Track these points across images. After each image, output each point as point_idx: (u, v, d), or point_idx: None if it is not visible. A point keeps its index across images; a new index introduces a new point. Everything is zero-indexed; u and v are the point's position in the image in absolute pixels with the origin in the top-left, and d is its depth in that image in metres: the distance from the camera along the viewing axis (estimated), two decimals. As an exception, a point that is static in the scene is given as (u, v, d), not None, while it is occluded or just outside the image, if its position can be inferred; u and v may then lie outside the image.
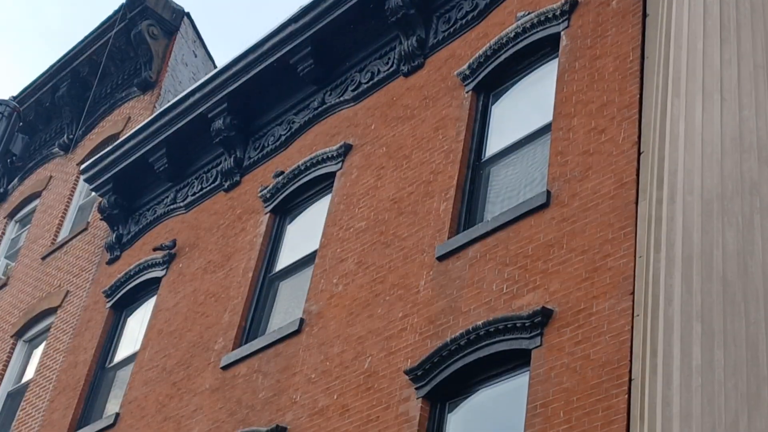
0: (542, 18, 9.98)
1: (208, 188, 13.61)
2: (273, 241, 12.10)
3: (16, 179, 18.67)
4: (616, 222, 8.10)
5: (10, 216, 18.56)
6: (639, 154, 8.26)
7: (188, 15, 17.52)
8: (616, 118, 8.71)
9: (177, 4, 17.27)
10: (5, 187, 18.83)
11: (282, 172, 12.25)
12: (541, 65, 10.11)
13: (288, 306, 11.30)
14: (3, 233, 18.41)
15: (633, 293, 7.54)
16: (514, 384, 8.23)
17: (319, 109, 12.46)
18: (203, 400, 11.13)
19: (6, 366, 15.60)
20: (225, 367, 11.09)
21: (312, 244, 11.37)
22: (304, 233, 11.79)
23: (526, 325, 8.13)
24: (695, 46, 7.41)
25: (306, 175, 12.02)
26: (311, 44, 12.43)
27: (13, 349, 15.74)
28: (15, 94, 17.92)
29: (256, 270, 11.86)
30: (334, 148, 11.74)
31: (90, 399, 13.37)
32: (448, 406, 8.69)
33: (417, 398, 8.68)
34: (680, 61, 7.41)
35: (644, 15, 9.07)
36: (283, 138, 12.78)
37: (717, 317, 6.13)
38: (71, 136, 17.55)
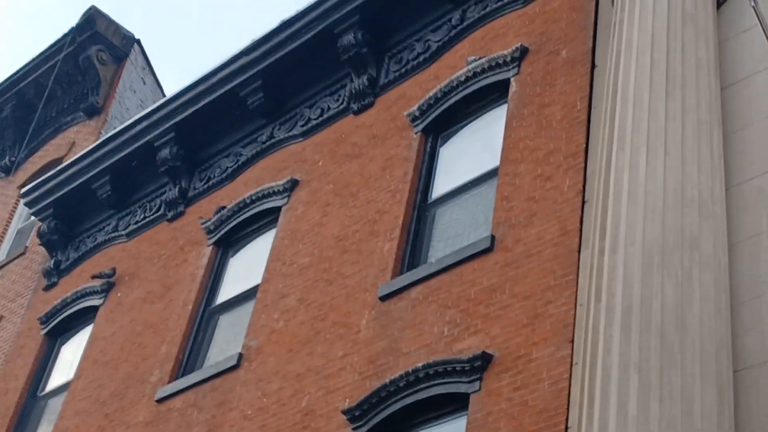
0: (493, 63, 10.08)
1: (151, 217, 13.48)
2: (215, 274, 12.01)
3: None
4: (559, 269, 8.16)
5: (-55, 237, 18.22)
6: (583, 203, 8.35)
7: (138, 42, 17.43)
8: (562, 166, 8.80)
9: (128, 31, 17.18)
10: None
11: (223, 208, 12.19)
12: (490, 110, 10.20)
13: (227, 340, 11.20)
14: (-62, 255, 18.05)
15: (572, 341, 7.60)
16: (452, 428, 8.21)
17: (267, 143, 12.43)
18: (136, 433, 10.96)
19: (-66, 391, 15.22)
20: (160, 400, 10.94)
21: (254, 279, 11.30)
22: (246, 267, 11.71)
23: (466, 369, 8.13)
24: (641, 99, 7.51)
25: (251, 209, 11.96)
26: (262, 78, 12.43)
27: (-59, 373, 15.38)
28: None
29: (197, 302, 11.74)
30: (281, 182, 11.71)
31: (19, 427, 13.09)
32: (384, 448, 8.64)
33: (354, 439, 8.62)
34: (626, 113, 7.50)
35: (593, 66, 9.20)
36: (229, 170, 12.72)
37: (654, 369, 6.18)
38: (13, 159, 17.30)
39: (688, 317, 6.40)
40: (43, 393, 13.26)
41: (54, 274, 14.27)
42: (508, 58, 9.98)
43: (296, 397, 9.48)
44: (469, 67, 10.25)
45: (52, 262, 14.36)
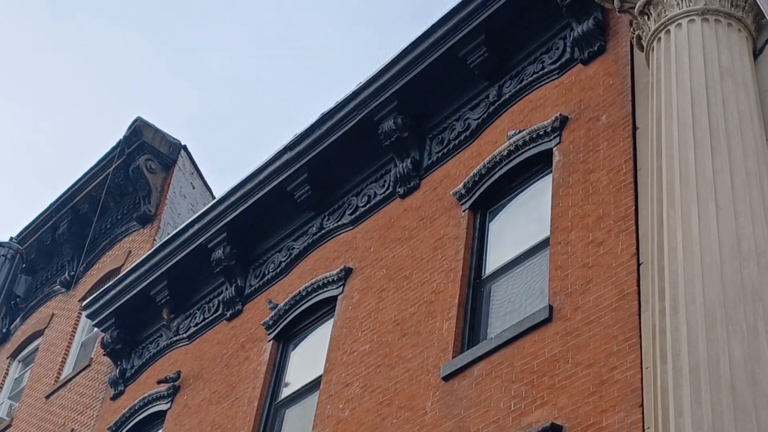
0: (534, 135, 10.14)
1: (210, 318, 13.59)
2: (277, 369, 12.03)
3: (18, 319, 18.65)
4: (620, 334, 8.08)
5: (13, 356, 18.47)
6: (638, 265, 8.29)
7: (185, 147, 17.77)
8: (614, 230, 8.78)
9: (174, 138, 17.54)
10: (8, 327, 18.79)
11: (276, 305, 12.26)
12: (535, 181, 10.23)
13: (295, 434, 11.17)
14: (6, 374, 18.28)
15: (642, 405, 7.48)
16: (528, 505, 8.07)
17: (318, 234, 12.54)
18: None
19: None
20: (233, 501, 10.89)
21: (316, 370, 11.30)
22: (308, 359, 11.73)
23: (537, 442, 8.03)
24: (687, 156, 7.50)
25: (307, 301, 12.02)
26: (307, 171, 12.59)
27: (17, 491, 15.49)
28: (15, 234, 18.05)
29: (262, 398, 11.75)
30: (335, 272, 11.78)
31: None
32: None
33: None
34: (673, 171, 7.49)
35: (634, 128, 9.22)
36: (283, 264, 12.83)
37: (728, 427, 6.07)
38: (72, 273, 17.60)
39: (757, 371, 6.29)
40: (117, 503, 13.26)
41: (120, 383, 14.38)
42: (549, 129, 10.03)
43: (369, 486, 9.39)
44: (511, 141, 10.32)
45: (118, 371, 14.49)
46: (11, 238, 16.83)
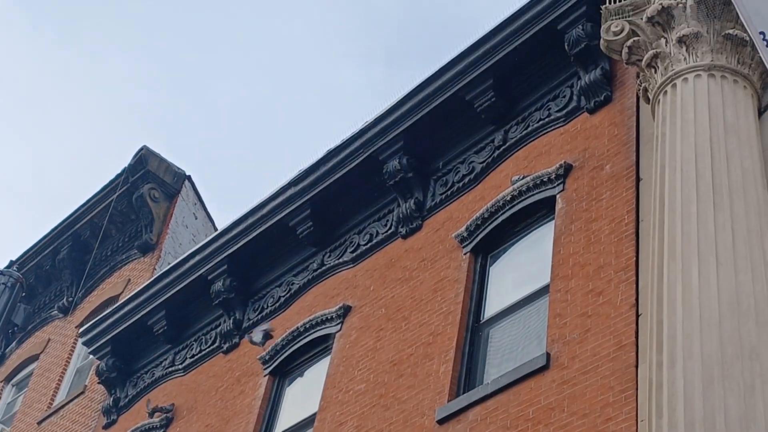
0: (537, 182, 10.18)
1: (207, 350, 13.57)
2: (272, 404, 12.00)
3: (14, 342, 18.60)
4: (617, 385, 8.07)
5: (7, 380, 18.42)
6: (637, 316, 8.30)
7: (189, 178, 17.82)
8: (614, 280, 8.79)
9: (178, 168, 17.59)
10: (3, 350, 18.75)
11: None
12: (537, 227, 10.26)
13: (287, 471, 11.12)
14: (-1, 397, 18.24)
15: (637, 458, 7.46)
16: None
17: (319, 270, 12.55)
18: None
19: None
20: None
21: (311, 407, 11.27)
22: (303, 396, 11.70)
23: (530, 491, 7.99)
24: (689, 211, 7.52)
25: (305, 337, 12.01)
26: (310, 207, 12.62)
27: None
28: (15, 257, 18.06)
29: (255, 434, 11.70)
30: (333, 309, 11.77)
31: None
32: None
33: None
34: (675, 224, 7.51)
35: (638, 179, 9.25)
36: (282, 299, 12.83)
37: (723, 485, 6.05)
38: (71, 299, 17.59)
39: (753, 431, 6.27)
40: None
41: (113, 412, 14.33)
42: (553, 176, 10.07)
43: None
44: (514, 186, 10.35)
45: (111, 399, 14.44)
46: (11, 262, 16.85)
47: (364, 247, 12.12)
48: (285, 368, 12.22)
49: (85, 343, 15.07)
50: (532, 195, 10.21)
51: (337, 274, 12.32)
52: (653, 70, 8.73)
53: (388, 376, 10.41)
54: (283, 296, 12.85)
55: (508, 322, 9.85)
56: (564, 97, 10.68)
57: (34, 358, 17.98)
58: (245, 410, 12.08)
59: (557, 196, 9.98)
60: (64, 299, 17.77)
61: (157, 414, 13.31)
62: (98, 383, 14.88)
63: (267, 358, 12.27)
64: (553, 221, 9.92)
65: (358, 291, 11.79)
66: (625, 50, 9.04)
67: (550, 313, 9.18)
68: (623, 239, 8.98)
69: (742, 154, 7.86)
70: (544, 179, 10.14)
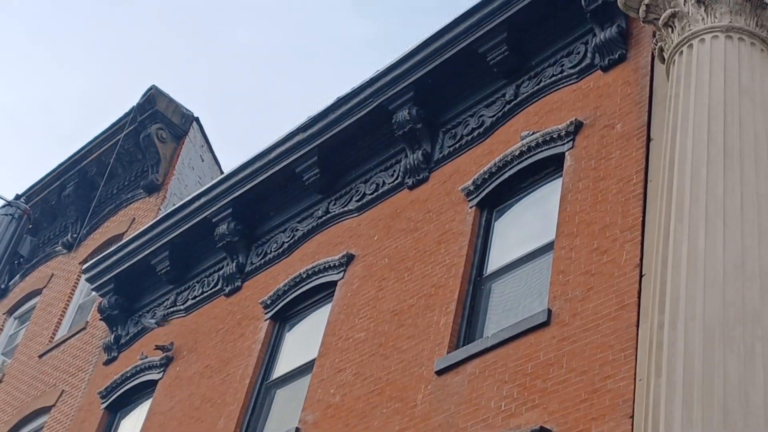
0: (547, 138, 10.13)
1: (209, 292, 13.61)
2: (272, 348, 12.06)
3: (17, 276, 18.70)
4: (617, 344, 8.09)
5: (10, 312, 18.53)
6: (641, 276, 8.29)
7: (197, 120, 17.77)
8: (619, 239, 8.77)
9: (187, 109, 17.53)
10: (6, 283, 18.84)
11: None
12: (545, 184, 10.22)
13: (284, 414, 11.20)
14: (1, 329, 18.35)
15: (632, 417, 7.49)
16: (511, 505, 8.10)
17: (323, 218, 12.55)
18: None
19: (-5, 466, 15.39)
20: (217, 476, 10.93)
21: (311, 353, 11.32)
22: (303, 341, 11.75)
23: (524, 444, 8.04)
24: (699, 172, 7.48)
25: (307, 283, 12.04)
26: (318, 154, 12.58)
27: (3, 448, 15.56)
28: (22, 191, 18.06)
29: (254, 377, 11.78)
30: (337, 257, 11.78)
31: (78, 503, 13.14)
32: None
33: None
34: (684, 186, 7.47)
35: (648, 139, 9.20)
36: (285, 245, 12.84)
37: (718, 446, 6.07)
38: (75, 235, 17.63)
39: (751, 393, 6.29)
40: (101, 468, 13.31)
41: (114, 349, 14.42)
42: (563, 132, 10.02)
43: (353, 473, 9.42)
44: (524, 141, 10.31)
45: (112, 336, 14.52)
46: (17, 196, 16.85)
47: (369, 197, 12.10)
48: (286, 313, 12.26)
49: (88, 280, 15.13)
50: (541, 151, 10.17)
51: (341, 222, 12.32)
52: (670, 30, 8.65)
53: (389, 326, 10.44)
54: (287, 242, 12.86)
55: (510, 278, 9.85)
56: (578, 53, 10.59)
57: (36, 293, 18.07)
58: (245, 353, 12.14)
59: (566, 153, 9.94)
60: (69, 235, 17.81)
61: (155, 352, 13.39)
62: (100, 320, 14.96)
63: (268, 302, 12.31)
64: (561, 178, 9.89)
65: (361, 240, 11.79)
66: (642, 8, 8.94)
67: (553, 269, 9.18)
68: (631, 199, 8.96)
69: (756, 118, 7.80)
70: (554, 136, 10.09)
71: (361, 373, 10.31)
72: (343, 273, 11.65)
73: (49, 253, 18.31)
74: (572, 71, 10.54)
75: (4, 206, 9.23)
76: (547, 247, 9.55)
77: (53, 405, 15.01)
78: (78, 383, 14.77)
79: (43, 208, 18.27)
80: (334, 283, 11.72)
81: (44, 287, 17.83)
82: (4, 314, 18.54)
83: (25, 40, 45.32)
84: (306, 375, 11.21)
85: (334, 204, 12.55)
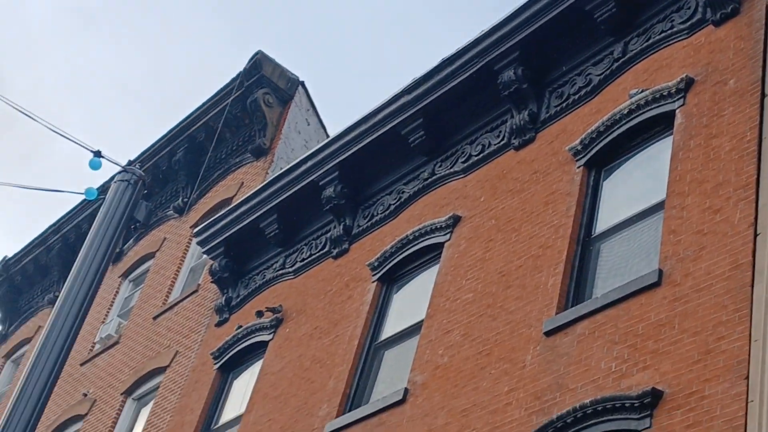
0: (657, 95, 9.94)
1: (317, 255, 13.79)
2: (379, 310, 12.17)
3: (131, 240, 19.20)
4: (731, 304, 7.95)
5: (125, 275, 19.05)
6: (756, 235, 8.12)
7: (303, 84, 17.90)
8: (732, 198, 8.59)
9: (292, 74, 17.67)
10: (121, 247, 19.35)
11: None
12: (654, 142, 10.06)
13: (392, 375, 11.32)
14: (117, 292, 18.89)
15: (747, 378, 7.38)
16: (622, 466, 8.07)
17: (429, 180, 12.57)
18: (305, 467, 11.17)
19: (115, 423, 15.90)
20: (328, 434, 11.13)
21: (418, 314, 11.40)
22: (410, 303, 11.84)
23: (635, 405, 8.00)
24: (816, 128, 7.30)
25: (414, 245, 12.10)
26: (423, 116, 12.59)
27: (122, 406, 16.05)
28: (133, 158, 18.49)
29: (362, 338, 11.92)
30: (443, 219, 11.81)
31: (194, 459, 13.52)
32: (553, 485, 8.55)
33: (521, 475, 8.57)
34: (800, 142, 7.30)
35: (763, 95, 8.97)
36: (392, 207, 12.91)
37: (837, 407, 5.95)
38: (185, 200, 18.00)
39: None
40: (217, 426, 13.66)
41: (225, 311, 14.74)
42: (673, 90, 9.82)
43: (462, 433, 9.49)
44: (632, 99, 10.14)
45: (224, 298, 14.84)
46: (129, 162, 17.24)
47: (475, 158, 12.07)
48: (393, 275, 12.35)
49: (199, 243, 15.46)
50: (651, 109, 9.99)
51: (447, 184, 12.32)
52: (786, -19, 8.39)
53: (496, 287, 10.44)
54: (393, 204, 12.93)
55: (619, 238, 9.75)
56: (688, 8, 10.35)
57: (150, 256, 18.54)
58: (353, 314, 12.29)
59: (677, 110, 9.75)
60: (180, 200, 18.19)
61: (267, 314, 13.65)
62: (211, 282, 15.29)
63: (376, 264, 12.42)
64: (671, 137, 9.71)
65: (468, 201, 11.78)
66: (756, -40, 8.69)
67: (664, 229, 9.05)
68: (744, 156, 8.75)
69: None
70: (664, 93, 9.90)
71: (469, 334, 10.35)
72: (449, 234, 11.67)
73: (161, 218, 18.74)
74: (683, 27, 10.30)
75: (119, 172, 9.47)
76: (658, 207, 9.41)
77: (168, 365, 15.43)
78: (191, 344, 15.16)
79: (154, 174, 18.67)
80: (441, 245, 11.75)
81: (157, 251, 18.28)
82: (119, 277, 19.08)
83: (133, 9, 46.24)
84: (414, 336, 11.29)
85: (440, 166, 12.55)
